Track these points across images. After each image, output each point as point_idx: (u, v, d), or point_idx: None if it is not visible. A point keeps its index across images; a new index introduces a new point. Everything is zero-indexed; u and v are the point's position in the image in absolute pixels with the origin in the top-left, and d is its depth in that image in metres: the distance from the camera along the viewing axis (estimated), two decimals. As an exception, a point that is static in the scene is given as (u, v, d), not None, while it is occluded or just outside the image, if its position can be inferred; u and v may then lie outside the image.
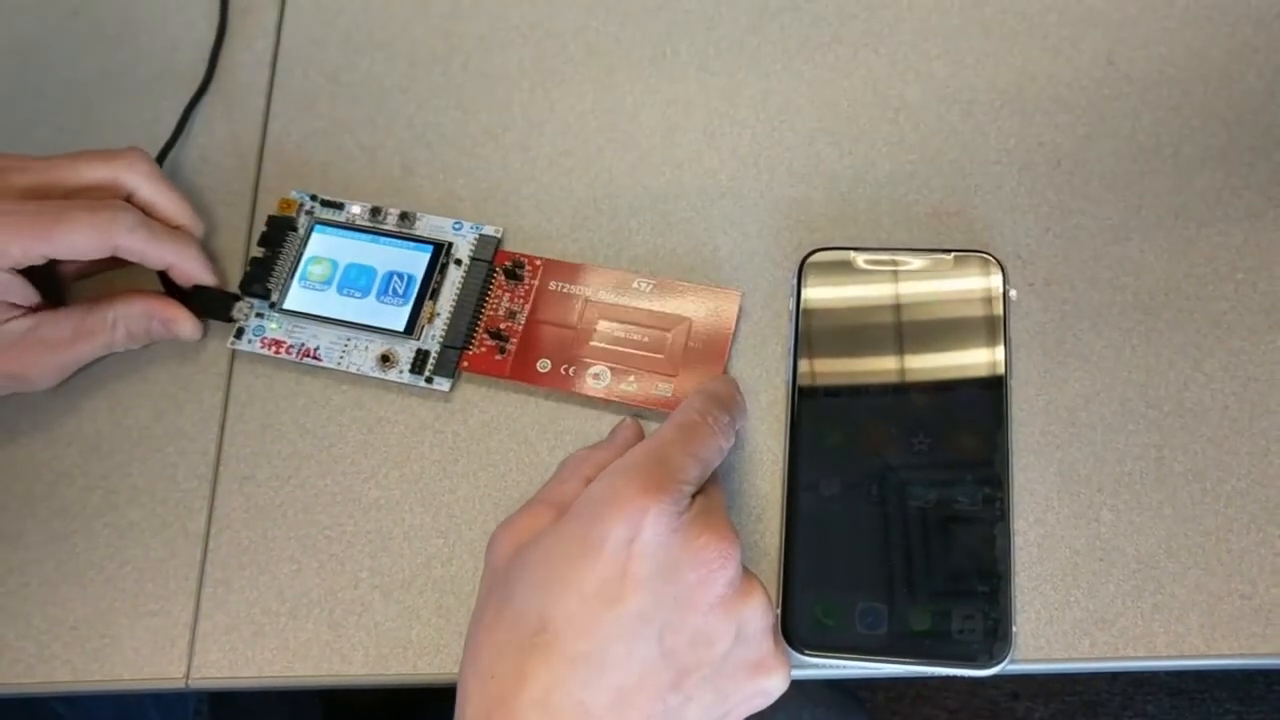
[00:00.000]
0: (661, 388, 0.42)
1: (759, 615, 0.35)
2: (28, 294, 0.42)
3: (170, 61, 0.51)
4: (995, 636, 0.37)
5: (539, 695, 0.32)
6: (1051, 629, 0.39)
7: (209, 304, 0.45)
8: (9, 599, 0.43)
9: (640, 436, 0.41)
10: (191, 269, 0.44)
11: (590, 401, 0.43)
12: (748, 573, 0.36)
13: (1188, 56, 0.46)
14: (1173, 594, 0.39)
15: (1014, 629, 0.38)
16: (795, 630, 0.38)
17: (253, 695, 0.60)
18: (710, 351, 0.42)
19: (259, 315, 0.45)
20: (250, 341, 0.44)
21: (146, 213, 0.43)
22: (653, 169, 0.46)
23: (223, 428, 0.44)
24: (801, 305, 0.42)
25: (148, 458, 0.44)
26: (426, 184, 0.47)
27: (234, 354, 0.45)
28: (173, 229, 0.44)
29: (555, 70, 0.48)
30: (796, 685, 0.37)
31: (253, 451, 0.44)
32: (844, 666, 0.38)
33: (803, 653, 0.38)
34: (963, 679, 0.38)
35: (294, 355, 0.44)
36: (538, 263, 0.44)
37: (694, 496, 0.35)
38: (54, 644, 0.42)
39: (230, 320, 0.45)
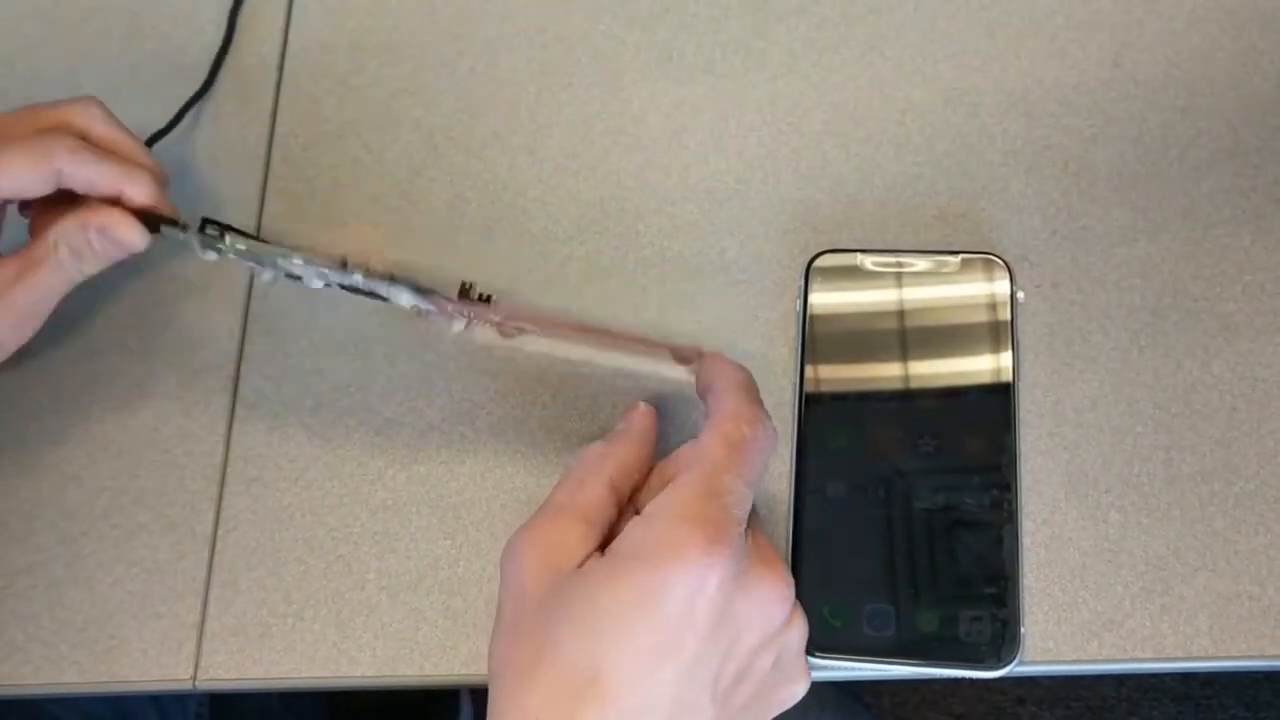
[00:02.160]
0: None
1: (797, 641, 0.35)
2: None
3: (178, 65, 0.51)
4: (1003, 638, 0.37)
5: None
6: (1060, 630, 0.39)
7: (160, 224, 0.41)
8: (17, 600, 0.43)
9: (654, 425, 0.39)
10: (143, 193, 0.40)
11: (596, 404, 0.43)
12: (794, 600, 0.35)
13: (1194, 59, 0.46)
14: (1181, 595, 0.39)
15: (1022, 630, 0.38)
16: (803, 632, 0.38)
17: (255, 702, 0.60)
18: None
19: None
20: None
21: None
22: (660, 171, 0.46)
23: (230, 430, 0.44)
24: (809, 307, 0.42)
25: (155, 460, 0.44)
26: (434, 187, 0.47)
27: (241, 358, 0.45)
28: (121, 158, 0.41)
29: (562, 74, 0.49)
30: (806, 687, 0.37)
31: (260, 453, 0.44)
32: (852, 668, 0.38)
33: (812, 654, 0.38)
34: (970, 681, 0.38)
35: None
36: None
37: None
38: (62, 645, 0.42)
39: (183, 229, 0.41)
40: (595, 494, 0.35)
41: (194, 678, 0.41)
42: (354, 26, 0.51)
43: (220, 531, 0.43)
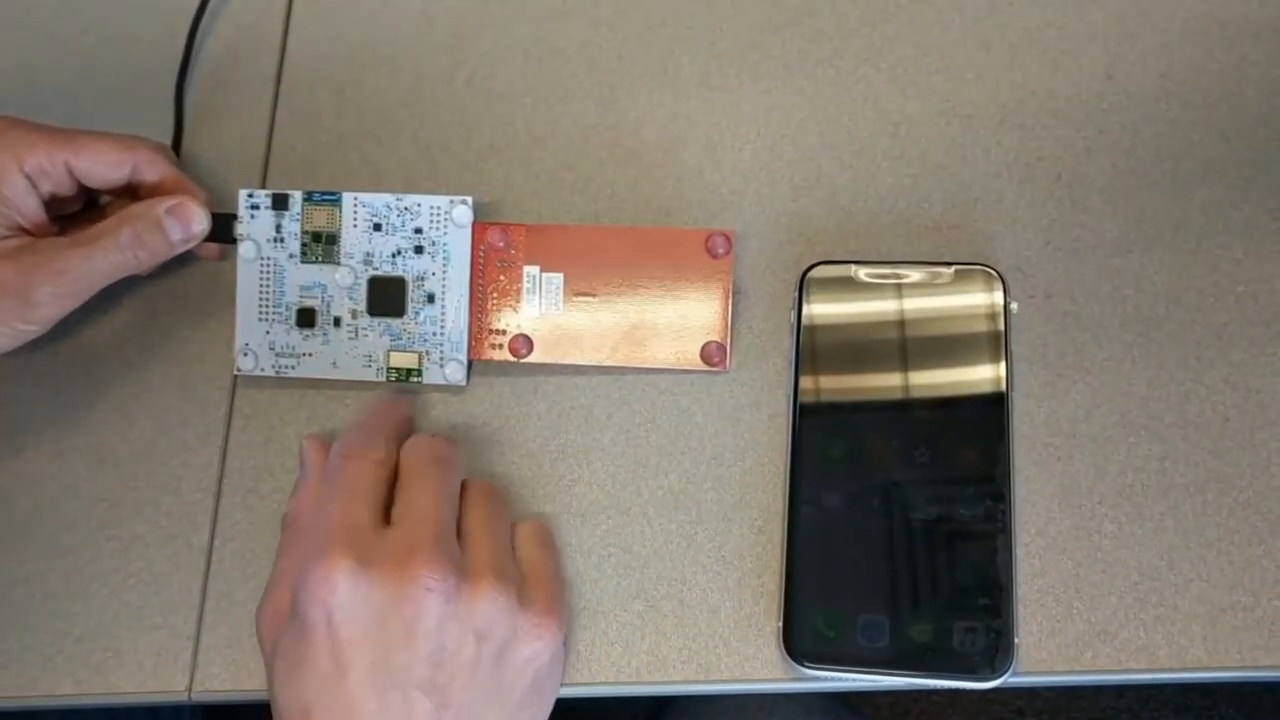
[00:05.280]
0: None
1: (489, 606, 0.36)
2: (38, 213, 0.43)
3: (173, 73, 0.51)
4: (997, 649, 0.37)
5: None
6: (1053, 641, 0.39)
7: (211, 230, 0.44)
8: (13, 611, 0.43)
9: (323, 453, 0.41)
10: (203, 200, 0.44)
11: (590, 415, 0.43)
12: (469, 568, 0.36)
13: (1187, 71, 0.46)
14: (1175, 606, 0.39)
15: (1016, 641, 0.38)
16: (797, 643, 0.38)
17: (250, 714, 0.60)
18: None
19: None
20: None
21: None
22: (655, 184, 0.47)
23: (226, 441, 0.45)
24: (803, 318, 0.42)
25: (152, 471, 0.44)
26: (430, 198, 0.47)
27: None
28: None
29: (558, 86, 0.49)
30: (793, 698, 0.37)
31: (256, 465, 0.44)
32: (846, 679, 0.38)
33: (804, 665, 0.38)
34: (965, 692, 0.38)
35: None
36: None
37: (394, 516, 0.38)
38: (57, 656, 0.42)
39: (234, 240, 0.44)
40: (297, 556, 0.38)
41: (189, 689, 0.41)
42: (351, 38, 0.51)
43: (216, 543, 0.43)
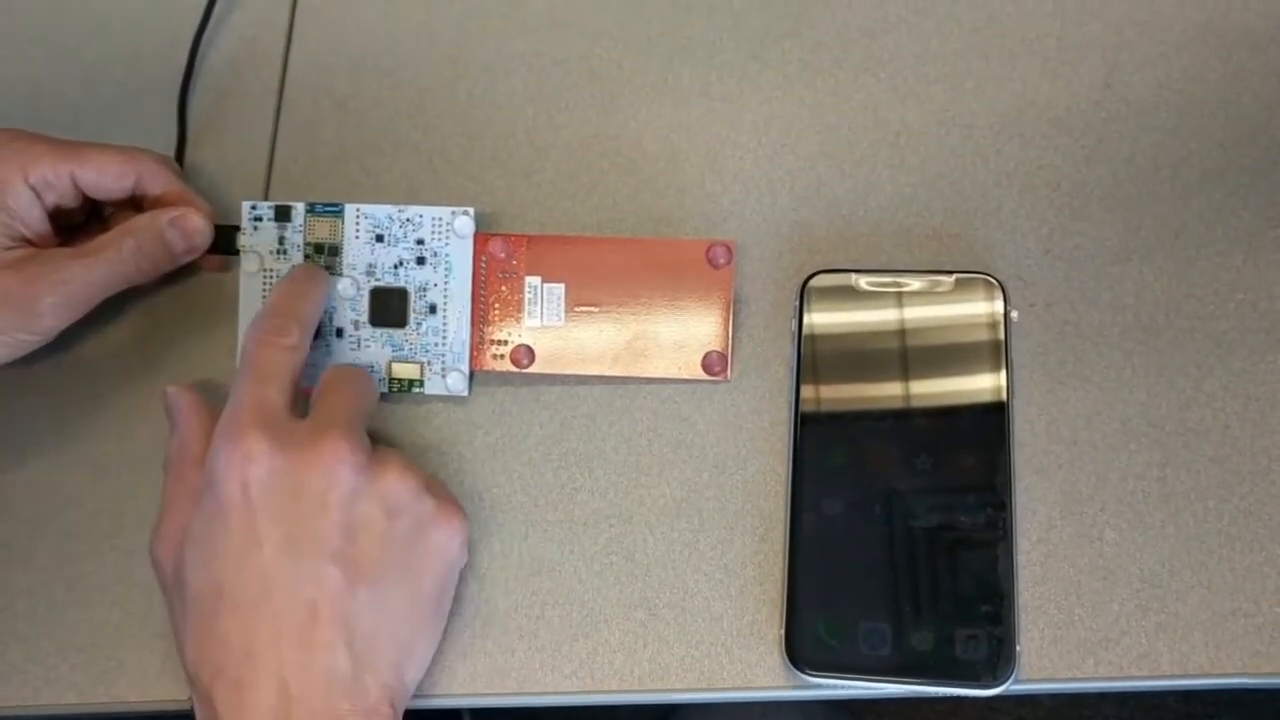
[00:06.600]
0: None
1: (398, 483, 0.37)
2: (42, 224, 0.43)
3: (174, 86, 0.51)
4: (999, 656, 0.38)
5: (243, 649, 0.35)
6: (1055, 649, 0.39)
7: (214, 241, 0.45)
8: (17, 621, 0.43)
9: (191, 395, 0.42)
10: (206, 211, 0.45)
11: (593, 424, 0.43)
12: (379, 449, 0.38)
13: (1185, 80, 0.46)
14: (1176, 613, 0.39)
15: (1018, 649, 0.38)
16: (799, 650, 0.38)
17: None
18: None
19: None
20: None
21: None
22: (656, 193, 0.47)
23: (230, 451, 0.45)
24: (804, 327, 0.43)
25: (155, 481, 0.44)
26: (432, 209, 0.48)
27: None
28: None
29: (559, 96, 0.49)
30: (795, 705, 0.37)
31: (259, 474, 0.44)
32: (847, 687, 0.38)
33: (806, 673, 0.38)
34: (968, 700, 0.38)
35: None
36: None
37: (312, 406, 0.39)
38: (61, 666, 0.42)
39: (236, 252, 0.45)
40: (194, 477, 0.39)
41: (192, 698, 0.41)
42: (353, 50, 0.51)
43: (219, 552, 0.43)
